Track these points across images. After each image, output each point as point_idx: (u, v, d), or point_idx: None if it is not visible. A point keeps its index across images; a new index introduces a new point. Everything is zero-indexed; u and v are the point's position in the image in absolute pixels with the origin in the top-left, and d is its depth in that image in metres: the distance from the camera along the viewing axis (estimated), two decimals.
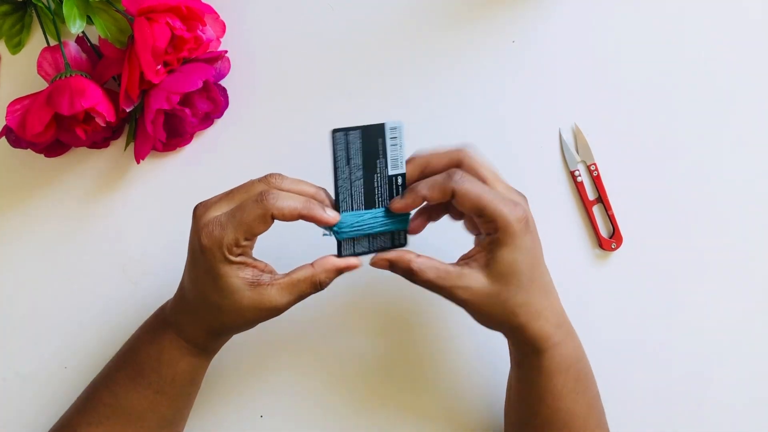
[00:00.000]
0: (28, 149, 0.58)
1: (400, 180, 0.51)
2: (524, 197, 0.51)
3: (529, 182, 0.62)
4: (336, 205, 0.50)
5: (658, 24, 0.63)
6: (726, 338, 0.62)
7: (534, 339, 0.50)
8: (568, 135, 0.63)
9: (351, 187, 0.50)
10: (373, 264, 0.50)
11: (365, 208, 0.50)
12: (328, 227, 0.50)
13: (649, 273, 0.62)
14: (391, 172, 0.50)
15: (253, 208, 0.47)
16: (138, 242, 0.62)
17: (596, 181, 0.62)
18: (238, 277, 0.48)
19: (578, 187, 0.62)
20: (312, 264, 0.50)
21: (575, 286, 0.62)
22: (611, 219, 0.62)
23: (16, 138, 0.57)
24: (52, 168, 0.62)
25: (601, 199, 0.62)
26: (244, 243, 0.48)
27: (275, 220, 0.48)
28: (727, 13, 0.64)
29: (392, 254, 0.50)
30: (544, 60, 0.63)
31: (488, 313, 0.50)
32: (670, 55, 0.63)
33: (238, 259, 0.48)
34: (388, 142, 0.50)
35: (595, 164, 0.62)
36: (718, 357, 0.62)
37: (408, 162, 0.51)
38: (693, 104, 0.63)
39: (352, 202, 0.50)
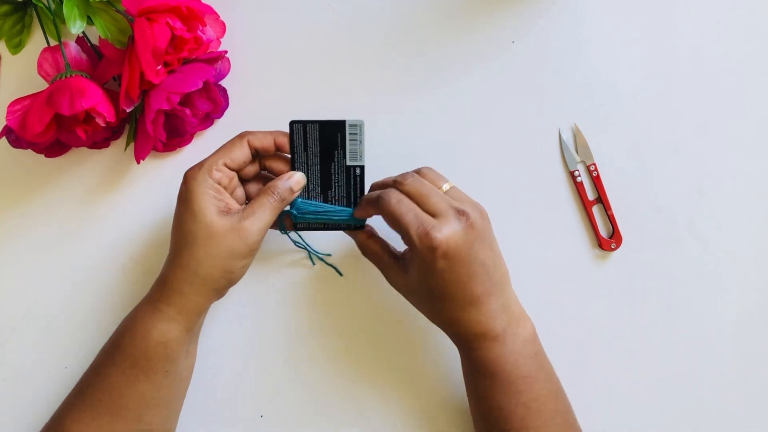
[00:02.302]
0: (29, 149, 0.58)
1: (358, 171, 0.57)
2: (464, 214, 0.52)
3: (529, 182, 0.63)
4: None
5: (657, 24, 0.63)
6: (725, 338, 0.63)
7: (456, 340, 0.55)
8: (568, 135, 0.63)
9: (308, 171, 0.57)
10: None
11: (321, 191, 0.57)
12: (286, 211, 0.56)
13: (648, 273, 0.63)
14: (349, 163, 0.56)
15: (233, 138, 0.55)
16: (138, 242, 0.62)
17: (596, 181, 0.62)
18: (212, 202, 0.52)
19: (578, 187, 0.62)
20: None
21: (575, 286, 0.62)
22: (611, 219, 0.62)
23: (17, 138, 0.57)
24: (53, 168, 0.62)
25: (601, 199, 0.62)
26: (222, 168, 0.54)
27: (254, 153, 0.55)
28: (727, 13, 0.64)
29: (360, 237, 0.58)
30: (544, 60, 0.63)
31: (414, 305, 0.56)
32: (669, 55, 0.63)
33: (215, 185, 0.53)
34: (348, 137, 0.56)
35: (594, 164, 0.62)
36: (718, 357, 0.62)
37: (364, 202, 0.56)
38: (693, 104, 0.63)
39: (309, 185, 0.57)
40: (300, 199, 0.56)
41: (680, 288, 0.63)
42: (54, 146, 0.59)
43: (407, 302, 0.56)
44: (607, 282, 0.62)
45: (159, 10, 0.54)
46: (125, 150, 0.62)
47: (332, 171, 0.56)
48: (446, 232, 0.51)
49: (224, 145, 0.55)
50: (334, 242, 0.62)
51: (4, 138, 0.57)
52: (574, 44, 0.63)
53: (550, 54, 0.63)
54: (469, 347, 0.54)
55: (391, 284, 0.57)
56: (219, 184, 0.54)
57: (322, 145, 0.56)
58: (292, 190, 0.55)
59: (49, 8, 0.58)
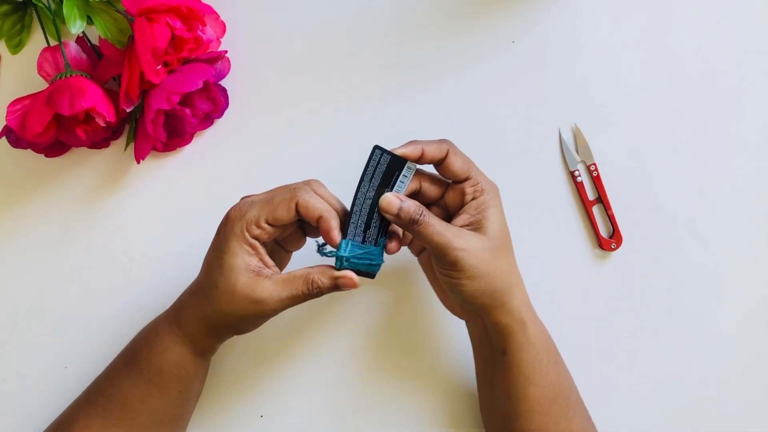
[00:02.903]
0: (29, 149, 0.58)
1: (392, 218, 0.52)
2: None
3: (529, 182, 0.63)
4: (347, 217, 0.52)
5: (657, 24, 0.63)
6: (726, 338, 0.63)
7: (517, 310, 0.52)
8: (568, 135, 0.63)
9: (363, 203, 0.53)
10: (382, 209, 0.52)
11: (365, 227, 0.53)
12: (333, 253, 0.52)
13: (648, 273, 0.63)
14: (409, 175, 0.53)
15: (282, 194, 0.51)
16: (138, 242, 0.62)
17: (596, 181, 0.62)
18: (243, 258, 0.50)
19: (578, 187, 0.62)
20: (311, 267, 0.51)
21: (575, 286, 0.62)
22: (611, 219, 0.62)
23: (17, 138, 0.57)
24: (53, 168, 0.62)
25: (601, 199, 0.62)
26: (264, 225, 0.50)
27: (299, 216, 0.50)
28: (727, 13, 0.64)
29: (399, 203, 0.51)
30: (544, 60, 0.63)
31: (481, 275, 0.51)
32: (669, 55, 0.63)
33: (252, 241, 0.50)
34: (401, 177, 0.53)
35: (594, 164, 0.62)
36: (718, 357, 0.62)
37: (409, 143, 0.52)
38: (693, 104, 0.63)
39: (358, 218, 0.53)
40: (346, 241, 0.52)
41: (680, 288, 0.63)
42: (54, 146, 0.59)
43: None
44: (607, 282, 0.62)
45: (159, 10, 0.54)
46: (125, 150, 0.62)
47: (376, 210, 0.53)
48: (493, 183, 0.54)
49: (272, 201, 0.50)
50: None
51: (4, 138, 0.57)
52: (574, 44, 0.63)
53: (550, 54, 0.63)
54: (527, 316, 0.53)
55: (457, 256, 0.50)
56: (257, 239, 0.50)
57: (383, 179, 0.52)
58: (336, 288, 0.51)
59: (49, 8, 0.58)
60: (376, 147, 0.51)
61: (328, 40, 0.63)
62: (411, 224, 0.51)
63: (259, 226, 0.50)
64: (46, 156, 0.59)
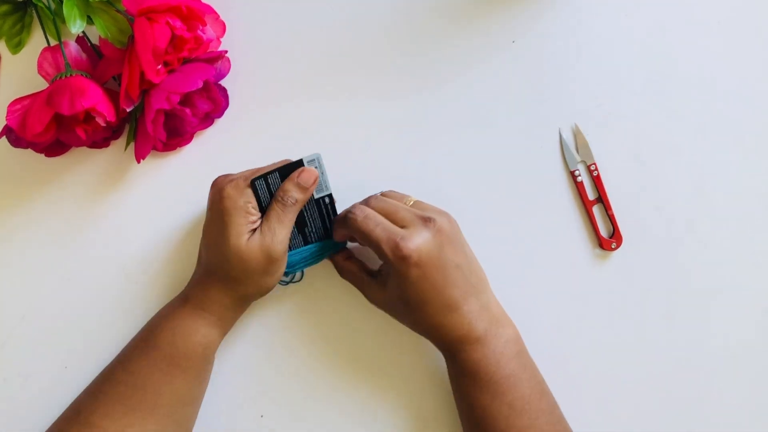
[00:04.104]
0: (29, 149, 0.58)
1: (327, 200, 0.57)
2: (431, 221, 0.53)
3: (529, 182, 0.63)
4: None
5: (658, 24, 0.63)
6: (726, 338, 0.63)
7: (440, 346, 0.56)
8: (568, 135, 0.63)
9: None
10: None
11: (299, 231, 0.58)
12: (289, 271, 0.58)
13: (648, 273, 0.63)
14: (317, 196, 0.57)
15: (277, 163, 0.56)
16: (138, 242, 0.62)
17: (596, 181, 0.62)
18: (243, 225, 0.54)
19: (578, 187, 0.62)
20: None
21: (575, 286, 0.62)
22: (611, 219, 0.62)
23: (17, 138, 0.57)
24: (53, 168, 0.62)
25: (601, 199, 0.62)
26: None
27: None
28: (727, 14, 0.64)
29: (337, 260, 0.60)
30: (544, 60, 0.63)
31: (397, 319, 0.57)
32: (669, 54, 0.63)
33: (248, 205, 0.54)
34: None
35: (595, 164, 0.62)
36: (718, 357, 0.62)
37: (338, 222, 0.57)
38: (693, 104, 0.63)
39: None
40: (290, 253, 0.58)
41: (680, 288, 0.63)
42: (54, 146, 0.59)
43: None
44: (607, 282, 0.62)
45: (159, 10, 0.54)
46: (125, 150, 0.62)
47: (304, 208, 0.57)
48: (416, 240, 0.52)
49: (267, 166, 0.56)
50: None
51: (4, 138, 0.57)
52: (574, 44, 0.63)
53: (550, 54, 0.63)
54: (452, 351, 0.54)
55: (372, 302, 0.58)
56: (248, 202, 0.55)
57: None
58: (304, 189, 0.56)
59: (49, 8, 0.58)
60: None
61: (327, 41, 0.63)
62: (337, 268, 0.60)
63: (241, 186, 0.54)
64: (46, 156, 0.59)
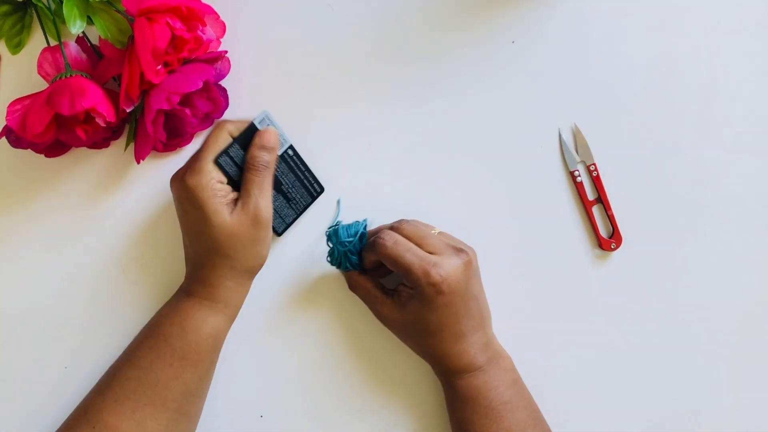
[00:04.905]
0: (29, 149, 0.58)
1: (291, 152, 0.60)
2: (463, 252, 0.55)
3: (529, 182, 0.63)
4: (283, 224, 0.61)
5: (657, 24, 0.63)
6: (726, 338, 0.63)
7: (441, 372, 0.57)
8: (568, 135, 0.63)
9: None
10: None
11: (276, 191, 0.59)
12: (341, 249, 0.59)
13: (648, 273, 0.63)
14: (280, 152, 0.59)
15: (213, 131, 0.57)
16: (138, 242, 0.62)
17: (596, 181, 0.62)
18: (218, 204, 0.54)
19: (578, 188, 0.62)
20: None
21: (575, 286, 0.62)
22: (611, 219, 0.62)
23: (17, 138, 0.57)
24: (53, 168, 0.62)
25: (601, 199, 0.62)
26: (214, 166, 0.56)
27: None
28: (727, 14, 0.64)
29: (350, 273, 0.59)
30: (544, 60, 0.63)
31: (402, 339, 0.59)
32: (669, 54, 0.63)
33: (216, 185, 0.55)
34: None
35: (594, 164, 0.62)
36: (718, 357, 0.62)
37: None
38: (693, 104, 0.63)
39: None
40: (340, 228, 0.59)
41: (680, 288, 0.63)
42: (54, 146, 0.59)
43: None
44: (607, 282, 0.62)
45: (159, 10, 0.54)
46: (125, 150, 0.62)
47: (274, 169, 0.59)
48: (447, 268, 0.54)
49: (208, 141, 0.57)
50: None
51: (4, 138, 0.57)
52: (574, 44, 0.63)
53: (550, 54, 0.63)
54: (453, 378, 0.56)
55: (380, 318, 0.59)
56: (214, 180, 0.56)
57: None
58: (271, 149, 0.57)
59: (49, 8, 0.58)
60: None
61: (327, 41, 0.63)
62: (349, 283, 0.60)
63: (212, 168, 0.55)
64: (46, 156, 0.59)
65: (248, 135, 0.57)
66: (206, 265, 0.56)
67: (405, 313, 0.56)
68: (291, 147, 0.60)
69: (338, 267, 0.60)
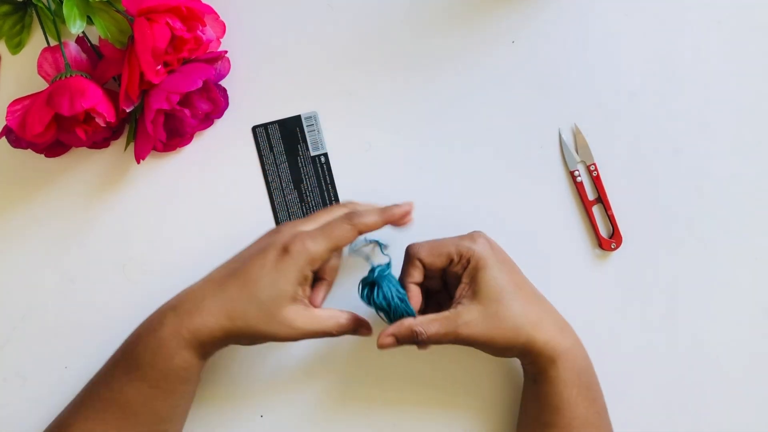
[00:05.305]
0: (29, 149, 0.58)
1: (323, 159, 0.61)
2: (477, 232, 0.56)
3: (529, 182, 0.63)
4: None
5: (658, 24, 0.63)
6: (726, 338, 0.63)
7: (544, 349, 0.54)
8: (568, 135, 0.63)
9: (278, 170, 0.61)
10: (381, 346, 0.54)
11: (294, 186, 0.61)
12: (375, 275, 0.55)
13: (648, 273, 0.63)
14: (313, 154, 0.61)
15: (339, 227, 0.53)
16: (138, 242, 0.62)
17: (596, 181, 0.62)
18: (295, 288, 0.52)
19: (578, 188, 0.62)
20: (340, 310, 0.55)
21: (575, 286, 0.62)
22: (611, 219, 0.62)
23: (17, 138, 0.57)
24: (53, 168, 0.62)
25: (601, 199, 0.62)
26: (324, 258, 0.53)
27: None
28: (727, 14, 0.64)
29: (392, 329, 0.53)
30: (544, 60, 0.63)
31: (494, 339, 0.53)
32: (670, 54, 0.63)
33: (309, 274, 0.52)
34: (306, 129, 0.61)
35: (594, 164, 0.62)
36: (718, 357, 0.62)
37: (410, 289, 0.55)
38: (693, 104, 0.63)
39: (280, 182, 0.61)
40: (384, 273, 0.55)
41: (680, 288, 0.63)
42: (54, 146, 0.59)
43: None
44: (607, 282, 0.62)
45: (159, 10, 0.54)
46: (125, 150, 0.62)
47: (299, 165, 0.61)
48: (474, 236, 0.55)
49: (332, 234, 0.53)
50: None
51: (4, 138, 0.57)
52: (574, 44, 0.63)
53: (550, 54, 0.63)
54: (557, 352, 0.54)
55: (466, 332, 0.53)
56: (313, 271, 0.53)
57: (285, 142, 0.61)
58: (355, 332, 0.55)
59: (49, 8, 0.58)
60: (254, 127, 0.59)
61: (327, 40, 0.63)
62: (414, 338, 0.53)
63: (321, 260, 0.52)
64: (46, 156, 0.59)
65: (290, 124, 0.60)
66: (218, 305, 0.52)
67: (481, 295, 0.53)
68: (325, 155, 0.61)
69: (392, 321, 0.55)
